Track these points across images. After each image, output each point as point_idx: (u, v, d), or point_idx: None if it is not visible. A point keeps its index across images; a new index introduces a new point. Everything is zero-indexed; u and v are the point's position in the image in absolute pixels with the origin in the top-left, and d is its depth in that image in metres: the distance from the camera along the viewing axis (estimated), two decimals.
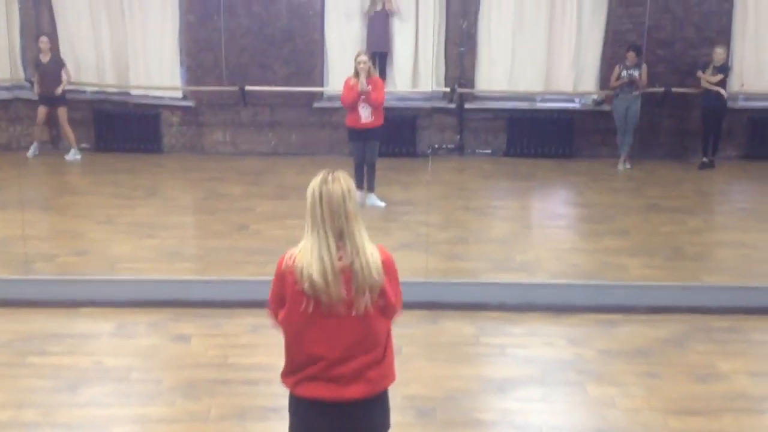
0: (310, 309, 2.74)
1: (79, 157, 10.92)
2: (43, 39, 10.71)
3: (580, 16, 11.16)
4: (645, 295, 6.16)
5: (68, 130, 10.96)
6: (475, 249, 7.60)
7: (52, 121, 11.16)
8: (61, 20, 11.37)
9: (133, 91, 11.53)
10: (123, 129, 11.40)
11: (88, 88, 11.62)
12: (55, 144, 11.48)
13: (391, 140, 10.86)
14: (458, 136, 11.39)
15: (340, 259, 2.72)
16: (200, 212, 8.95)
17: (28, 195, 8.83)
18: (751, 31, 11.05)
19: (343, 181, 2.77)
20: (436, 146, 11.35)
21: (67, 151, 10.97)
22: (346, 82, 8.44)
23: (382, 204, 8.66)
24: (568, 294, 6.18)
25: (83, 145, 11.45)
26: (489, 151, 11.45)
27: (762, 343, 5.68)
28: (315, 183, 2.78)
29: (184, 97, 11.49)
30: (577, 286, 6.36)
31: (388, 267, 2.85)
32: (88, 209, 8.69)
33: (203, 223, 8.53)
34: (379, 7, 10.90)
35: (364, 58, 8.30)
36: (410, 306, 5.93)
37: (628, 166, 10.70)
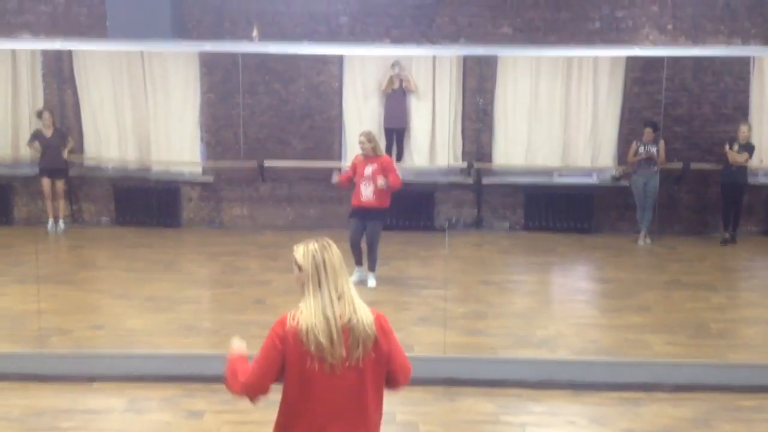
0: (316, 367, 2.90)
1: (62, 228, 11.12)
2: (46, 114, 10.94)
3: (596, 94, 11.28)
4: (669, 373, 6.00)
5: (62, 203, 11.16)
6: (494, 324, 7.48)
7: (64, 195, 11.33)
8: (84, 98, 11.62)
9: (154, 167, 11.68)
10: (142, 204, 11.51)
11: (110, 164, 11.78)
12: (75, 218, 11.59)
13: (408, 215, 10.90)
14: (476, 211, 11.39)
15: (340, 316, 2.93)
16: (217, 286, 8.92)
17: (47, 269, 8.88)
18: None
19: (334, 245, 3.07)
20: (454, 221, 11.35)
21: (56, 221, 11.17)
22: (354, 159, 8.47)
23: (374, 285, 8.40)
24: (590, 371, 6.04)
25: (103, 219, 11.58)
26: (507, 225, 11.42)
27: None
28: (313, 249, 3.00)
29: (204, 173, 11.61)
30: (600, 363, 6.22)
31: (384, 325, 3.06)
32: (106, 283, 8.70)
33: (220, 297, 8.48)
34: (396, 86, 11.07)
35: (362, 138, 8.27)
36: (428, 382, 5.87)
37: (648, 241, 10.62)
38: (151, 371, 5.96)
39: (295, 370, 2.92)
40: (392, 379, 3.10)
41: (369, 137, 8.30)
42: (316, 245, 3.01)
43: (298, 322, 2.92)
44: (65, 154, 11.09)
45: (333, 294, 2.94)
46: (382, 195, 8.25)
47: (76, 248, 10.48)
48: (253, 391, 2.99)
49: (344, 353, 2.91)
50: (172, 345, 6.68)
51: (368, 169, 8.21)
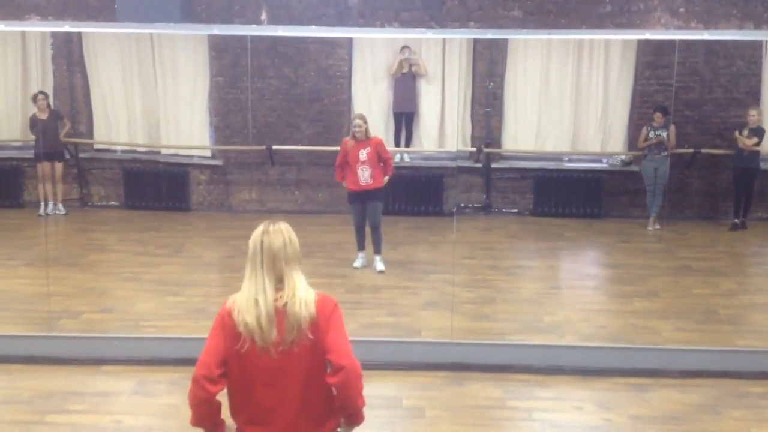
0: (245, 348, 2.86)
1: (62, 212, 11.10)
2: (40, 97, 10.79)
3: (607, 78, 11.20)
4: (677, 359, 5.99)
5: (60, 186, 11.12)
6: (502, 309, 7.48)
7: (69, 177, 11.42)
8: (94, 82, 11.64)
9: (163, 150, 11.69)
10: (152, 187, 11.53)
11: (119, 147, 11.80)
12: (84, 202, 11.63)
13: (417, 199, 10.87)
14: (485, 196, 11.35)
15: (275, 300, 2.87)
16: (226, 270, 8.95)
17: (56, 252, 8.92)
18: None
19: (284, 230, 2.98)
20: (463, 205, 11.32)
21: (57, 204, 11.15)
22: (343, 145, 8.39)
23: (383, 268, 8.38)
24: (598, 357, 6.03)
25: (112, 203, 11.62)
26: (516, 210, 11.39)
27: None
28: (257, 233, 2.96)
29: (213, 156, 11.61)
30: (608, 348, 6.21)
31: (328, 311, 2.93)
32: (115, 266, 8.74)
33: (228, 280, 8.49)
34: (405, 70, 11.01)
35: (358, 121, 8.20)
36: (435, 367, 5.88)
37: (657, 226, 10.57)
38: (160, 354, 5.99)
39: (232, 351, 2.88)
40: (330, 366, 2.90)
41: (364, 119, 8.28)
42: (261, 228, 2.97)
43: (234, 302, 2.91)
44: (62, 135, 11.09)
45: (268, 277, 2.88)
46: (379, 176, 8.26)
47: (86, 231, 10.52)
48: (200, 372, 2.87)
49: (277, 337, 2.85)
50: (180, 328, 6.71)
51: (363, 153, 8.18)
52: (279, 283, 2.90)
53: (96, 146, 11.81)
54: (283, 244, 2.93)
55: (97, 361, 5.96)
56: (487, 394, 5.56)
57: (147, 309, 7.25)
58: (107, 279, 8.31)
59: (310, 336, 2.88)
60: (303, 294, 2.90)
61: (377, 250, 8.49)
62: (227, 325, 2.90)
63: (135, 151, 11.80)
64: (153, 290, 7.81)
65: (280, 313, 2.87)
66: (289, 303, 2.87)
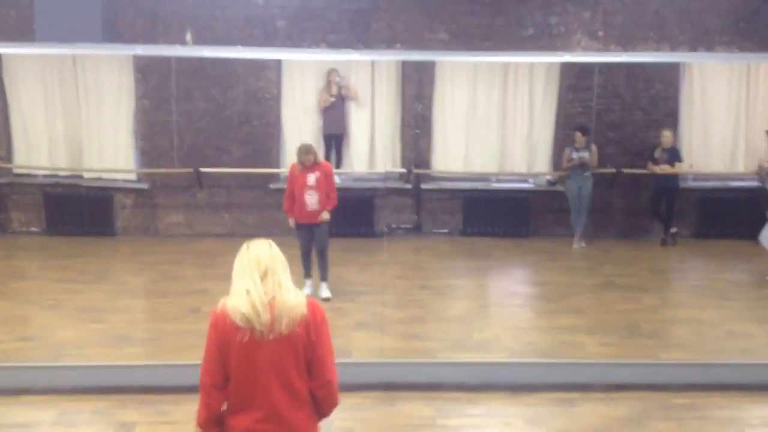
0: (246, 337, 3.04)
1: None
2: None
3: (532, 100, 11.44)
4: (602, 373, 6.12)
5: None
6: (432, 328, 7.51)
7: None
8: (14, 104, 11.31)
9: (86, 174, 11.41)
10: (75, 212, 11.21)
11: (40, 172, 11.46)
12: (3, 228, 11.26)
13: (348, 220, 10.86)
14: (415, 216, 11.42)
15: (265, 293, 3.08)
16: (151, 295, 8.76)
17: None
18: (697, 114, 11.43)
19: (265, 241, 3.22)
20: (393, 226, 11.37)
21: None
22: (291, 169, 8.22)
23: (329, 295, 8.26)
24: (526, 373, 6.12)
25: (33, 229, 11.26)
26: (446, 230, 11.48)
27: (720, 420, 5.64)
28: (241, 249, 3.22)
29: (138, 180, 11.38)
30: (535, 364, 6.31)
31: (319, 318, 3.18)
32: (35, 294, 8.46)
33: (154, 306, 8.33)
34: (334, 92, 11.03)
35: (308, 156, 7.96)
36: (365, 387, 5.85)
37: (582, 244, 10.81)
38: (82, 383, 5.82)
39: (233, 348, 3.05)
40: (311, 372, 3.17)
41: (309, 149, 8.07)
42: (243, 245, 3.21)
43: (224, 305, 3.11)
44: None
45: (255, 275, 3.08)
46: (325, 201, 8.16)
47: (5, 258, 10.15)
48: (206, 380, 3.09)
49: (270, 322, 3.04)
50: (104, 356, 6.54)
51: (311, 178, 8.06)
52: (264, 278, 3.10)
53: (16, 170, 11.45)
54: (268, 249, 3.17)
55: (17, 391, 5.75)
56: (417, 413, 5.56)
57: (68, 337, 7.04)
58: (27, 307, 8.03)
59: (298, 330, 3.09)
60: (290, 287, 3.14)
61: (324, 276, 8.38)
62: (223, 327, 3.07)
63: (57, 176, 11.46)
64: (75, 318, 7.59)
65: (270, 303, 3.07)
66: (277, 295, 3.08)
